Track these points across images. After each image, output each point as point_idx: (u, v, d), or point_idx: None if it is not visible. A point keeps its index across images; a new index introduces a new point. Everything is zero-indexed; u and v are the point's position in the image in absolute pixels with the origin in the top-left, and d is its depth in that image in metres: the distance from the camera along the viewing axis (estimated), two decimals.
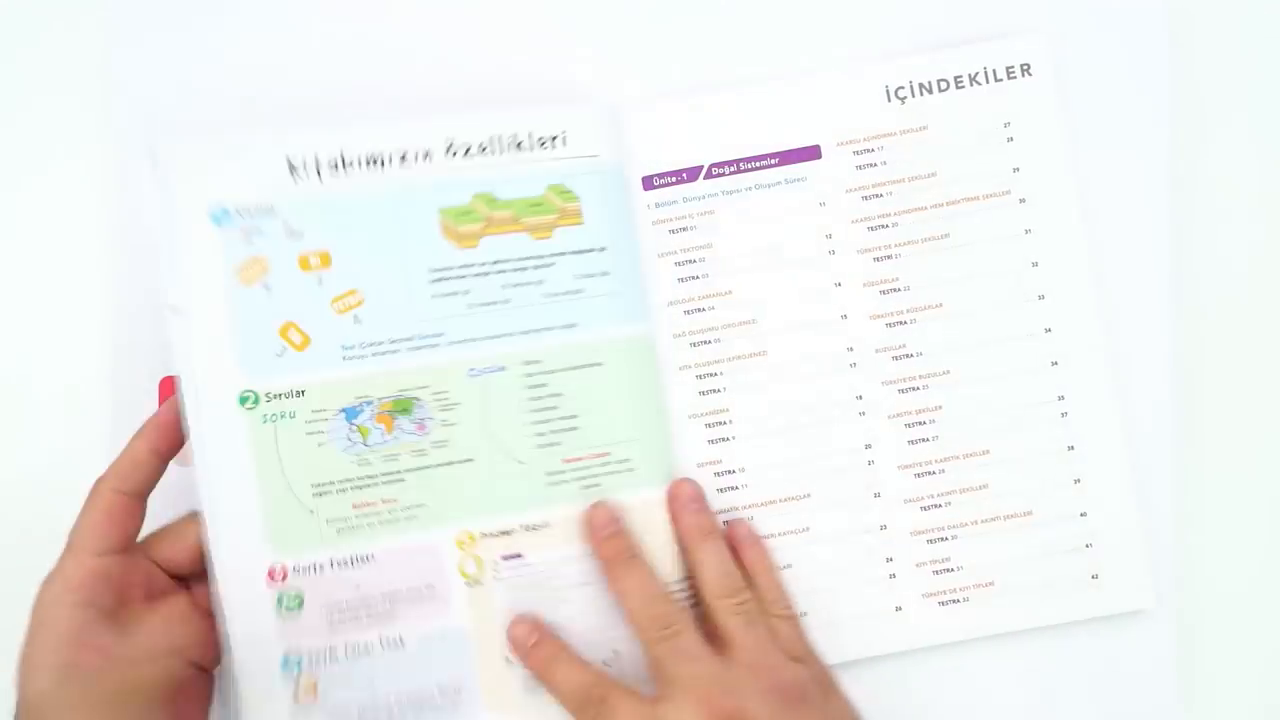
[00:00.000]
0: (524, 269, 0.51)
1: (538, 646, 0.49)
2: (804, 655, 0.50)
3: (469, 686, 0.50)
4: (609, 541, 0.50)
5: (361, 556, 0.50)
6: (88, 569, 0.45)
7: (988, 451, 0.55)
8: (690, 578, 0.51)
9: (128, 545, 0.47)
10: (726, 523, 0.54)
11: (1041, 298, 0.55)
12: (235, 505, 0.49)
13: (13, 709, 0.44)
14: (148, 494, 0.48)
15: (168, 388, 0.51)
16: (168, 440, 0.48)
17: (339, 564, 0.49)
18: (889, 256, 0.55)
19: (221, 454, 0.49)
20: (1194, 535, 0.57)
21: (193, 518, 0.49)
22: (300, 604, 0.49)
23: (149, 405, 0.51)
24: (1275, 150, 0.59)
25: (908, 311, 0.55)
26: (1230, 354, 0.58)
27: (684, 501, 0.52)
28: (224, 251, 0.49)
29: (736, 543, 0.53)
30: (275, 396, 0.49)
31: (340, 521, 0.49)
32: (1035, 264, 0.55)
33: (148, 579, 0.48)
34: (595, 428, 0.52)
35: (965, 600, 0.55)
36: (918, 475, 0.55)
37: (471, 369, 0.51)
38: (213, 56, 0.55)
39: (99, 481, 0.47)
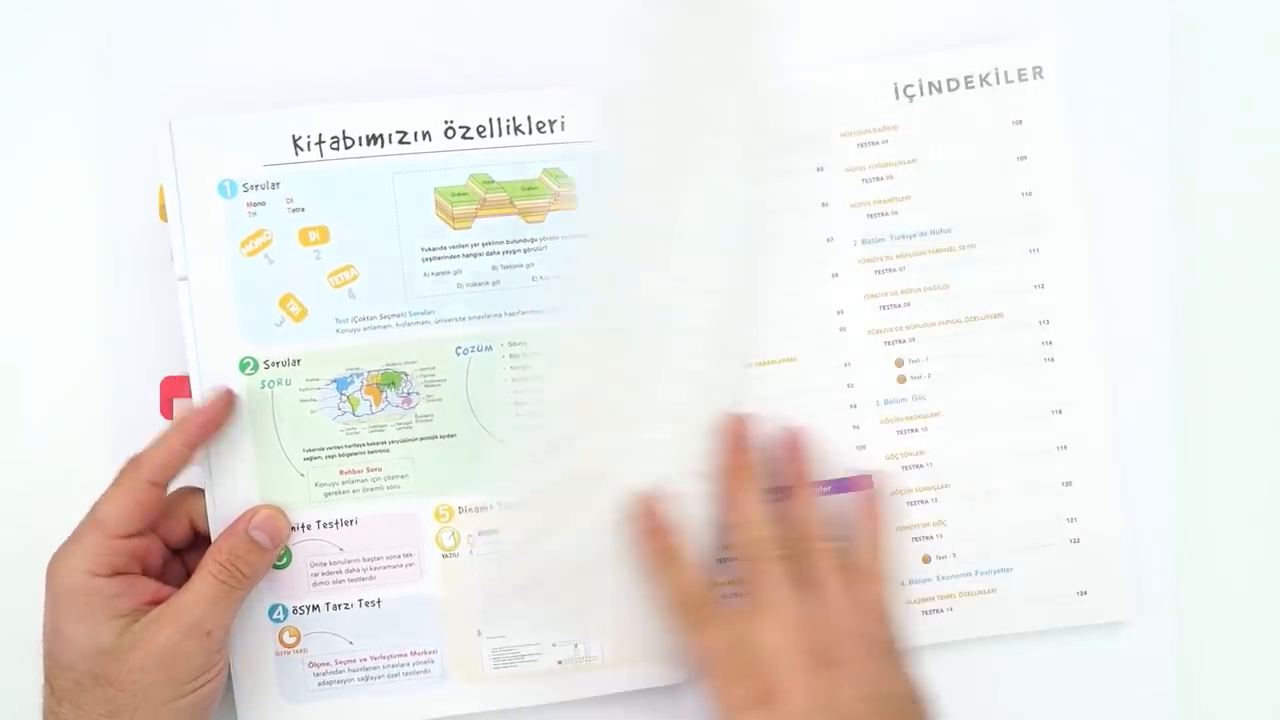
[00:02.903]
0: (515, 251, 0.52)
1: (656, 536, 0.50)
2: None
3: (440, 652, 0.52)
4: (736, 455, 0.51)
5: (346, 520, 0.52)
6: (111, 547, 0.47)
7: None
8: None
9: (148, 530, 0.49)
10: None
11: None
12: (234, 464, 0.51)
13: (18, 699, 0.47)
14: (170, 484, 0.49)
15: (168, 388, 0.52)
16: (204, 439, 0.50)
17: (325, 525, 0.52)
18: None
19: None
20: (1190, 549, 0.56)
21: (184, 493, 0.51)
22: (289, 560, 0.52)
23: (149, 404, 0.52)
24: None
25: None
26: (1231, 374, 0.57)
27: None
28: (229, 223, 0.51)
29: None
30: (273, 364, 0.51)
31: (328, 486, 0.51)
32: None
33: (156, 552, 0.50)
34: None
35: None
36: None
37: (458, 347, 0.52)
38: (217, 40, 0.55)
39: (133, 468, 0.48)
